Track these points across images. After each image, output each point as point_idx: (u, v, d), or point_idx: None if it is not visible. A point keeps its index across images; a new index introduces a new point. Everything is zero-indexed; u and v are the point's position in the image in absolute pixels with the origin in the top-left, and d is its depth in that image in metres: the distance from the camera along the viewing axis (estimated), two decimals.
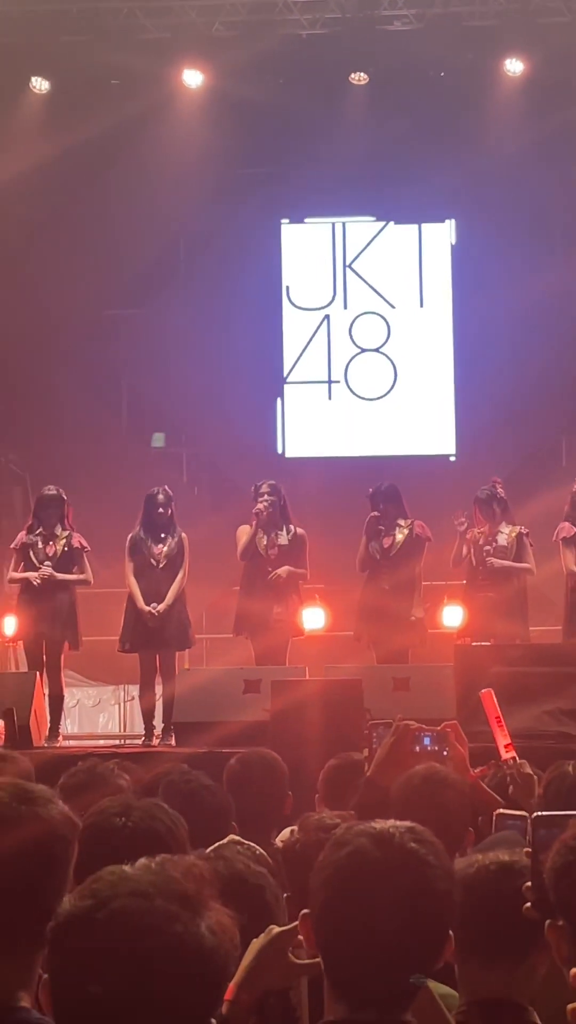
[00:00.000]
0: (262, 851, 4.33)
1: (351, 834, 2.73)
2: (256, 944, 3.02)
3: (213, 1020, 2.17)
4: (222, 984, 2.19)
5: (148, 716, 11.53)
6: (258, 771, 5.91)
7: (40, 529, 11.74)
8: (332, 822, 4.26)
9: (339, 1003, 2.65)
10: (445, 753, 4.52)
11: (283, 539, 11.75)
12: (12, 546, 11.95)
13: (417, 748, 4.44)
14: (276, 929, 3.02)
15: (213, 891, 2.25)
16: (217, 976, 2.17)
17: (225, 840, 4.33)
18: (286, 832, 5.13)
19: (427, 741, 4.48)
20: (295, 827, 4.51)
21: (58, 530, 11.74)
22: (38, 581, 11.54)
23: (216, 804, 5.08)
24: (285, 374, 17.07)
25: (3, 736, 9.74)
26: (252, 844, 4.43)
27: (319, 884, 2.72)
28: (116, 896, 2.17)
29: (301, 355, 17.09)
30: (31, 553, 11.64)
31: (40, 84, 16.07)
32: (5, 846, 2.70)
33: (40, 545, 11.66)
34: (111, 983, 2.11)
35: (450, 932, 2.70)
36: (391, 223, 17.13)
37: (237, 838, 4.48)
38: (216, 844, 4.19)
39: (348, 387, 17.02)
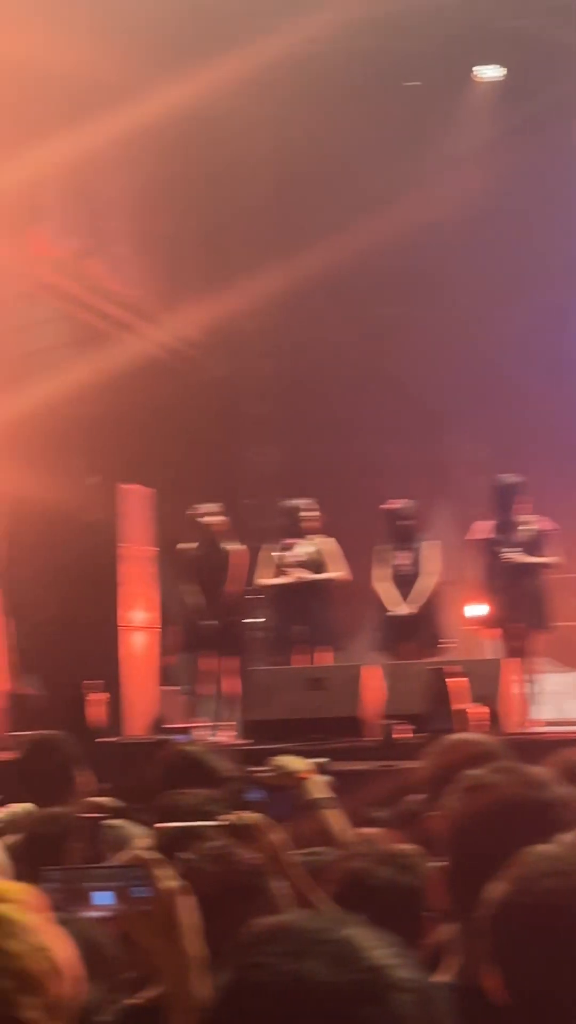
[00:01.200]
0: None
1: None
2: None
3: None
4: None
5: None
6: None
7: (500, 518, 11.75)
8: None
9: None
10: None
11: None
12: (467, 537, 12.02)
13: None
14: None
15: None
16: None
17: None
18: None
19: None
20: None
21: (518, 517, 11.72)
22: (510, 559, 11.54)
23: None
24: None
25: (486, 723, 9.76)
26: None
27: None
28: (537, 879, 2.20)
29: None
30: (494, 544, 11.65)
31: (485, 72, 16.16)
32: (508, 828, 2.69)
33: (504, 534, 11.66)
34: (555, 964, 2.12)
35: None
36: None
37: None
38: None
39: None
